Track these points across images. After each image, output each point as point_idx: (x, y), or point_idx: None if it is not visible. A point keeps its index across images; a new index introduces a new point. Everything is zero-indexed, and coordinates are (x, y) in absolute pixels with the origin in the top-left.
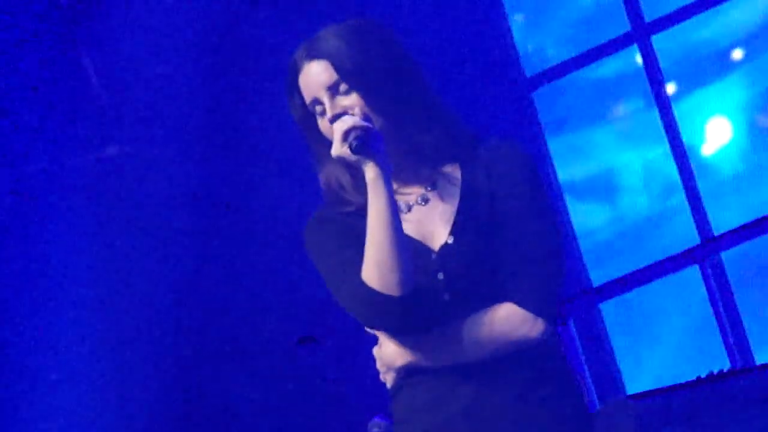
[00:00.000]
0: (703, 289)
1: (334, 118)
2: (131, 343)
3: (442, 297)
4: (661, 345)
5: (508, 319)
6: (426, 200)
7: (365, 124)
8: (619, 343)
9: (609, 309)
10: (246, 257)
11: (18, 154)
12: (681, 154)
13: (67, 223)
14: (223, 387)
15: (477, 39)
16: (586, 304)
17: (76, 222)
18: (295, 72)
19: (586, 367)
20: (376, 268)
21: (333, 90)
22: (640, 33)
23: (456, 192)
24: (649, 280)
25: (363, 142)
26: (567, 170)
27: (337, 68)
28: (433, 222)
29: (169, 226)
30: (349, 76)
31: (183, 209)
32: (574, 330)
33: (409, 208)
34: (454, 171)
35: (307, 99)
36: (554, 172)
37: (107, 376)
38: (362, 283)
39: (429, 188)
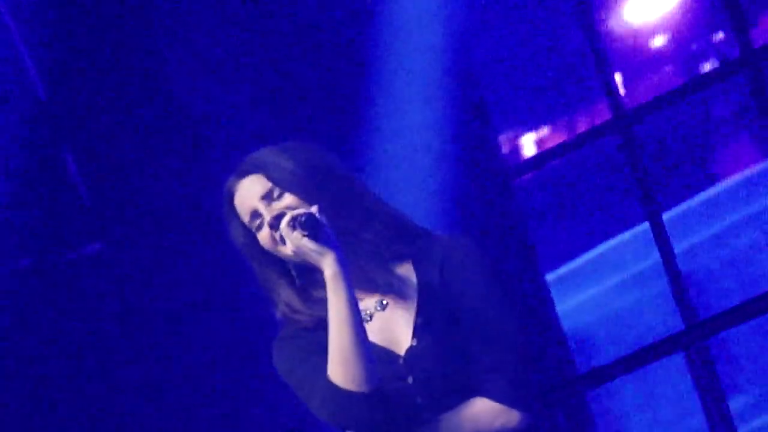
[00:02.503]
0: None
1: (274, 220)
2: None
3: (415, 400)
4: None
5: (483, 414)
6: (384, 306)
7: (307, 209)
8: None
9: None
10: None
11: None
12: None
13: None
14: None
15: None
16: (571, 393)
17: None
18: (231, 196)
19: None
20: (341, 365)
21: (267, 198)
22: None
23: (413, 293)
24: (635, 367)
25: (314, 227)
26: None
27: (269, 177)
28: (395, 326)
29: None
30: (282, 181)
31: None
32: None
33: (371, 317)
34: (408, 271)
35: (245, 217)
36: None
37: None
38: (329, 383)
39: (385, 293)
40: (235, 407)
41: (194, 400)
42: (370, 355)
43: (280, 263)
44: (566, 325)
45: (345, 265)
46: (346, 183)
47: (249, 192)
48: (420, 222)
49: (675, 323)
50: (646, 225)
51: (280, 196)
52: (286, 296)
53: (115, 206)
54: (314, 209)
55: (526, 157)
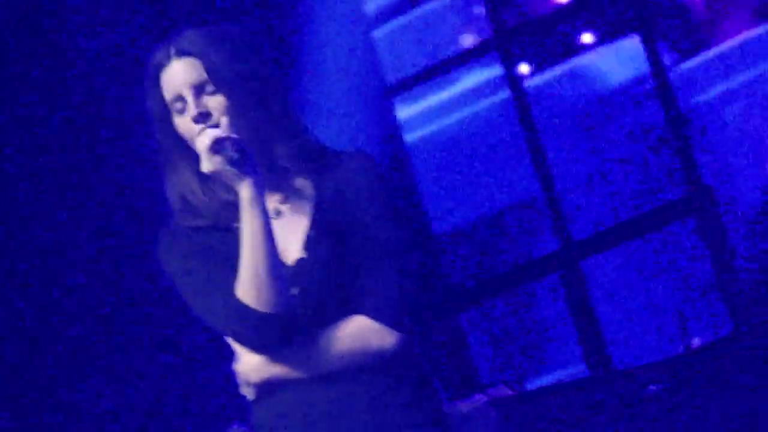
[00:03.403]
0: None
1: (199, 117)
2: None
3: (296, 312)
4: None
5: (360, 332)
6: (278, 213)
7: (233, 135)
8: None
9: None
10: None
11: None
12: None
13: None
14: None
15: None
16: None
17: None
18: (158, 67)
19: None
20: (255, 287)
21: (198, 89)
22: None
23: (307, 206)
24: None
25: (239, 154)
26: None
27: (206, 68)
28: (285, 237)
29: None
30: (218, 78)
31: None
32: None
33: None
34: (304, 184)
35: (168, 95)
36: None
37: None
38: (237, 302)
39: (281, 202)
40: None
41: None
42: (282, 275)
43: (188, 149)
44: None
45: (262, 187)
46: (275, 91)
47: (180, 76)
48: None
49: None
50: None
51: (212, 93)
52: (186, 180)
53: None
54: (241, 139)
55: None
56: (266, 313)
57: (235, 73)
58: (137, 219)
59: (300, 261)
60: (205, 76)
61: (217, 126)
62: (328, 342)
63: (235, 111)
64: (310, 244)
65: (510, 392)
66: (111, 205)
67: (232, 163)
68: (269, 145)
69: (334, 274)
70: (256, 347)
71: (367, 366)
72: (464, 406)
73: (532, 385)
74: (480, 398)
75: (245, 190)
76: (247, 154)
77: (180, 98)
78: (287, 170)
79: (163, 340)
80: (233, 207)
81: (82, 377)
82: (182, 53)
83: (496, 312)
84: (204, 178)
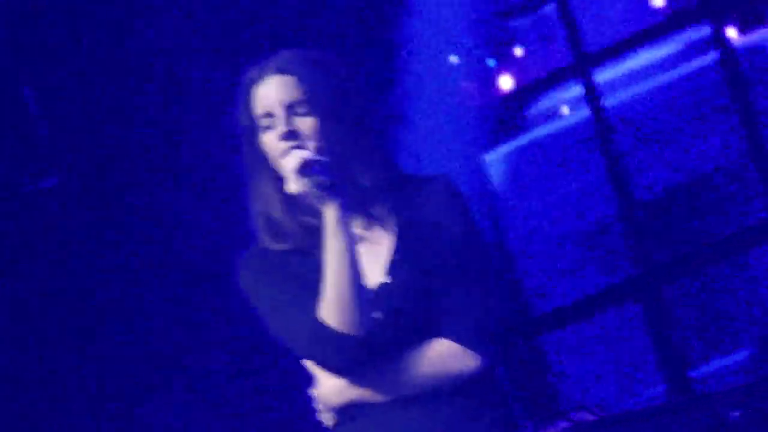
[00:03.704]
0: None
1: (287, 135)
2: None
3: (378, 336)
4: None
5: (441, 355)
6: (361, 238)
7: (322, 159)
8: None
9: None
10: None
11: None
12: None
13: None
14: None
15: None
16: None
17: None
18: (252, 82)
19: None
20: (338, 309)
21: (290, 109)
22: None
23: (389, 232)
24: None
25: (326, 178)
26: None
27: (303, 88)
28: (368, 262)
29: None
30: (313, 99)
31: None
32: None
33: None
34: (386, 211)
35: (258, 110)
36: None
37: None
38: (318, 323)
39: (363, 228)
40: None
41: (161, 328)
42: (364, 299)
43: (272, 168)
44: None
45: (347, 211)
46: (366, 120)
47: (274, 92)
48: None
49: None
50: None
51: (304, 114)
52: (269, 199)
53: (71, 140)
54: (328, 161)
55: None
56: (348, 335)
57: (331, 96)
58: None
59: (383, 285)
60: (298, 96)
61: (304, 147)
62: (411, 364)
63: (324, 135)
64: (393, 268)
65: (592, 417)
66: (196, 225)
67: (318, 186)
68: (355, 171)
69: (416, 298)
70: (336, 370)
71: (447, 389)
72: None
73: (614, 410)
74: (563, 426)
75: (331, 213)
76: (335, 177)
77: (269, 115)
78: (371, 197)
79: (239, 366)
80: (315, 231)
81: (160, 398)
82: (280, 71)
83: (579, 335)
84: (287, 199)
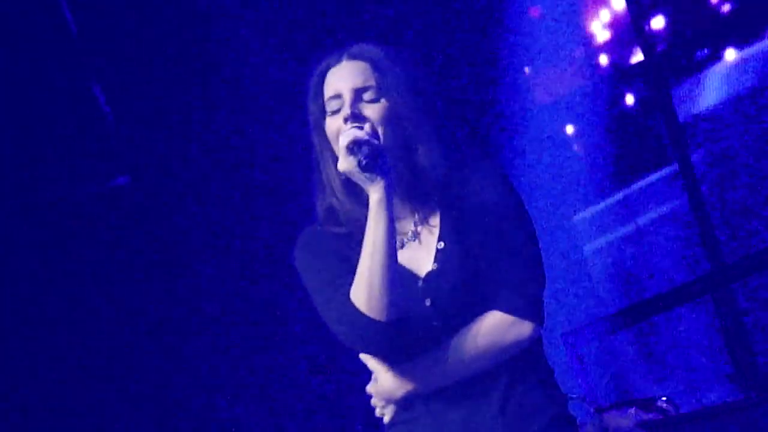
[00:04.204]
0: None
1: (351, 117)
2: None
3: (432, 323)
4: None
5: (496, 327)
6: (416, 236)
7: (373, 140)
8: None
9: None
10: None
11: None
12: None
13: None
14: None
15: None
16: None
17: None
18: (327, 68)
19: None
20: (366, 290)
21: (358, 93)
22: None
23: (437, 219)
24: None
25: (372, 159)
26: None
27: (375, 75)
28: (421, 254)
29: None
30: (384, 86)
31: None
32: None
33: (402, 245)
34: (437, 199)
35: (329, 92)
36: None
37: None
38: (349, 303)
39: (418, 223)
40: (261, 344)
41: (218, 333)
42: (396, 285)
43: (335, 154)
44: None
45: (391, 192)
46: (432, 110)
47: (348, 75)
48: None
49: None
50: None
51: (372, 100)
52: (332, 180)
53: (142, 140)
54: (379, 143)
55: None
56: (373, 319)
57: (400, 86)
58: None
59: (430, 273)
60: (369, 82)
61: (361, 128)
62: (463, 342)
63: (390, 122)
64: (439, 256)
65: (663, 407)
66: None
67: (363, 166)
68: (417, 162)
69: (464, 283)
70: (373, 354)
71: (504, 359)
72: (612, 419)
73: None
74: (630, 411)
75: (375, 193)
76: (383, 158)
77: (338, 96)
78: (425, 188)
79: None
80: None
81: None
82: (354, 56)
83: (649, 329)
84: (347, 183)
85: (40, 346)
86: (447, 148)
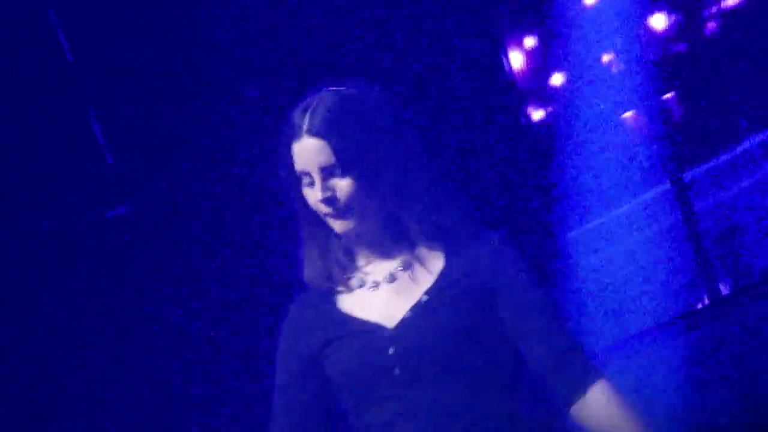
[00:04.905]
0: None
1: (325, 202)
2: None
3: (393, 372)
4: None
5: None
6: (394, 279)
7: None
8: None
9: None
10: None
11: None
12: None
13: None
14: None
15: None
16: None
17: None
18: (291, 137)
19: None
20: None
21: (326, 172)
22: None
23: (430, 275)
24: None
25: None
26: None
27: (336, 153)
28: (396, 300)
29: None
30: (347, 163)
31: None
32: None
33: (377, 285)
34: (434, 256)
35: (298, 167)
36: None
37: None
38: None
39: (400, 268)
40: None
41: (222, 358)
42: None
43: (317, 216)
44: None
45: (361, 237)
46: (407, 174)
47: (311, 154)
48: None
49: None
50: None
51: (340, 175)
52: (316, 240)
53: (140, 169)
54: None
55: None
56: None
57: (365, 156)
58: None
59: (402, 320)
60: (331, 161)
61: (342, 213)
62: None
63: (362, 191)
64: (417, 308)
65: None
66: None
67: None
68: (399, 219)
69: (434, 339)
70: None
71: None
72: None
73: None
74: None
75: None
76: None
77: (308, 174)
78: (416, 239)
79: None
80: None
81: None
82: (314, 133)
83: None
84: (330, 240)
85: (39, 379)
86: (435, 209)
